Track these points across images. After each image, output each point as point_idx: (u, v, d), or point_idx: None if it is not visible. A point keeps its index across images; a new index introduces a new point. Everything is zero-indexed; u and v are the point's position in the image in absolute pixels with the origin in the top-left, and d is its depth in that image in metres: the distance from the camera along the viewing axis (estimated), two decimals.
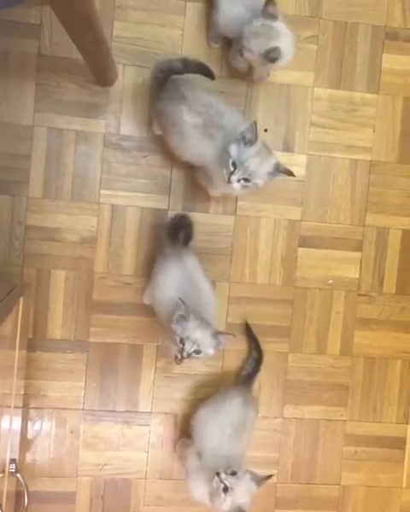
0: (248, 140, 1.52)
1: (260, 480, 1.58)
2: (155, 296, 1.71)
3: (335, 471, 1.99)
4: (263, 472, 1.61)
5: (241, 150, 1.52)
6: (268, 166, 1.54)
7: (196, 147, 1.64)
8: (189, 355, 1.53)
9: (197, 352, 1.53)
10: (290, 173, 1.57)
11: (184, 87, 1.64)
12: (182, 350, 1.52)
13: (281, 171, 1.56)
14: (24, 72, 1.80)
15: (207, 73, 1.70)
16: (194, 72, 1.69)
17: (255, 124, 1.52)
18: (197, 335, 1.52)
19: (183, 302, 1.52)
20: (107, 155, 1.84)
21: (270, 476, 1.62)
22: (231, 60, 1.84)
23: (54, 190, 1.83)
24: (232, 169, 1.53)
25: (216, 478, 1.52)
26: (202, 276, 1.70)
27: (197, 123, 1.60)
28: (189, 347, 1.52)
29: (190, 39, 1.85)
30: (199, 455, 1.67)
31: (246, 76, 1.86)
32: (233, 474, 1.54)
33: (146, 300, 1.80)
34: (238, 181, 1.54)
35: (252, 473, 1.58)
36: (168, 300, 1.63)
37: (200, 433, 1.72)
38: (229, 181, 1.54)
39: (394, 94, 1.94)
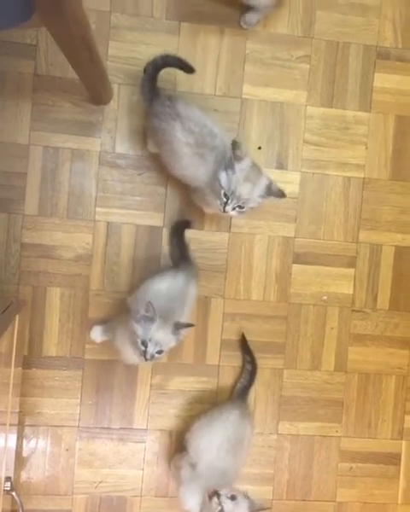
0: (236, 156, 1.53)
1: (255, 510, 1.56)
2: (138, 294, 1.67)
3: (330, 487, 1.99)
4: (258, 489, 1.62)
5: (230, 178, 1.53)
6: (260, 190, 1.56)
7: (189, 167, 1.66)
8: (152, 357, 1.50)
9: (160, 352, 1.51)
10: (282, 195, 1.59)
11: (179, 104, 1.65)
12: (145, 352, 1.50)
13: (273, 193, 1.58)
14: (20, 92, 1.82)
15: (186, 67, 1.71)
16: (173, 66, 1.71)
17: (236, 142, 1.53)
18: (160, 336, 1.50)
19: (151, 305, 1.49)
20: (102, 173, 1.86)
21: (267, 509, 1.62)
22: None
23: (49, 208, 1.84)
24: (225, 200, 1.55)
25: (215, 498, 1.51)
26: (190, 301, 1.71)
27: (189, 141, 1.61)
28: (152, 349, 1.50)
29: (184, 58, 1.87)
30: (193, 466, 1.67)
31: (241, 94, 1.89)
32: (233, 498, 1.53)
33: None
34: (233, 209, 1.56)
35: (250, 500, 1.56)
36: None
37: (195, 446, 1.72)
38: (224, 211, 1.57)
39: (385, 112, 1.97)
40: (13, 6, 1.13)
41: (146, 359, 1.51)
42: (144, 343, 1.50)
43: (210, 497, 1.53)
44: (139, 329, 1.50)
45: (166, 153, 1.70)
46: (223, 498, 1.51)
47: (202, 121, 1.64)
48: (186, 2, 1.87)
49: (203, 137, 1.61)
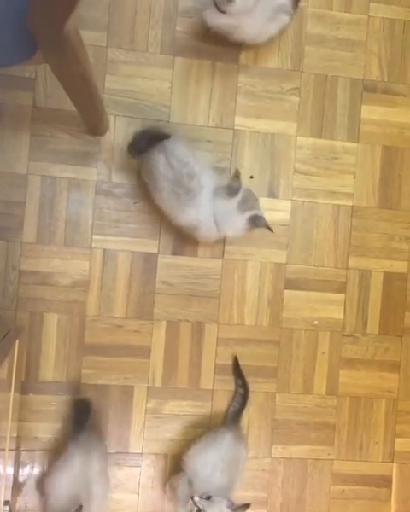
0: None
1: (236, 509, 1.59)
2: (49, 486, 1.69)
3: (323, 510, 2.00)
4: None
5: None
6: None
7: (166, 202, 1.74)
8: None
9: None
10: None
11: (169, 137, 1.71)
12: None
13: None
14: (19, 123, 1.87)
15: (163, 137, 1.74)
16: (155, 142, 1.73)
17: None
18: None
19: None
20: (98, 202, 1.90)
21: (248, 505, 1.61)
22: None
23: (47, 236, 1.88)
24: None
25: (190, 501, 1.55)
26: (100, 480, 1.69)
27: (169, 176, 1.67)
28: None
29: (178, 91, 1.94)
30: (190, 483, 1.69)
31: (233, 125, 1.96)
32: (208, 498, 1.56)
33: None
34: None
35: (230, 500, 1.59)
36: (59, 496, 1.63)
37: (192, 466, 1.74)
38: None
39: (373, 142, 2.03)
40: (17, 45, 1.18)
41: None
42: None
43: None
44: None
45: (150, 183, 1.77)
46: (196, 499, 1.55)
47: (184, 159, 1.69)
48: (180, 38, 1.93)
49: (181, 176, 1.67)
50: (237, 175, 1.75)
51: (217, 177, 1.79)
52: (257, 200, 1.77)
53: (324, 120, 2.01)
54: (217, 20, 1.77)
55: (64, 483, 1.64)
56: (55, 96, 1.87)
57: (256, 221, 1.76)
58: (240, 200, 1.71)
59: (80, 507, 1.54)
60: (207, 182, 1.72)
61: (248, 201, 1.74)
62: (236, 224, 1.76)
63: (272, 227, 1.81)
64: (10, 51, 1.18)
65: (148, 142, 1.73)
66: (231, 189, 1.72)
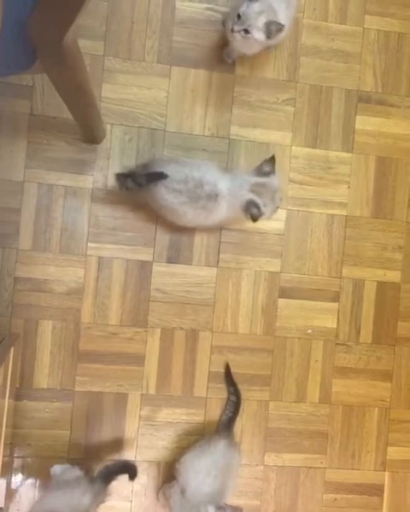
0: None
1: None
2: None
3: None
4: None
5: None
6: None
7: (197, 219, 1.74)
8: None
9: None
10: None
11: (154, 170, 1.71)
12: None
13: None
14: (16, 131, 1.88)
15: (159, 177, 1.69)
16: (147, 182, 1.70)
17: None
18: None
19: None
20: (94, 209, 1.91)
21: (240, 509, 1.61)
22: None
23: (43, 243, 1.88)
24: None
25: None
26: None
27: (183, 200, 1.68)
28: None
29: (174, 101, 1.95)
30: (183, 492, 1.69)
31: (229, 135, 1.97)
32: None
33: None
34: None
35: (219, 506, 1.59)
36: None
37: (184, 474, 1.74)
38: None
39: (367, 153, 2.05)
40: (17, 55, 1.19)
41: None
42: None
43: None
44: None
45: (167, 213, 1.78)
46: None
47: (182, 176, 1.69)
48: (177, 47, 1.95)
49: (193, 192, 1.67)
50: (272, 160, 1.75)
51: (212, 163, 1.81)
52: (280, 197, 1.76)
53: (318, 131, 2.03)
54: (254, 47, 1.80)
55: None
56: (52, 104, 1.88)
57: (249, 206, 1.67)
58: (258, 182, 1.70)
59: None
60: (213, 173, 1.73)
61: (266, 188, 1.71)
62: (236, 202, 1.70)
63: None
64: (10, 61, 1.19)
65: (146, 179, 1.71)
66: (259, 171, 1.73)
